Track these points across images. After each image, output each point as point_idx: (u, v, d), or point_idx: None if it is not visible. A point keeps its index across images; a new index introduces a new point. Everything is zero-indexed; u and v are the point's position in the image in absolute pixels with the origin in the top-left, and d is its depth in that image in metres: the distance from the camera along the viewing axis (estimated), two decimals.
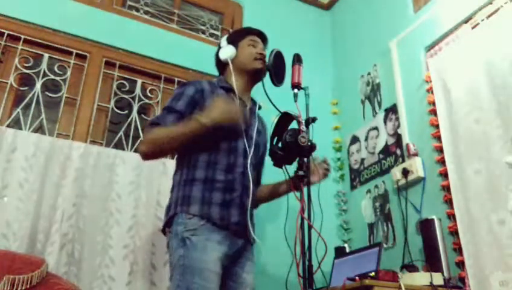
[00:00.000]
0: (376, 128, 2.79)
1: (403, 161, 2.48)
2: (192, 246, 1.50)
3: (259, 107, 1.91)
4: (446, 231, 2.11)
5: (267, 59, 1.88)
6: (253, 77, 1.87)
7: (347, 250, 2.53)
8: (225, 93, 1.78)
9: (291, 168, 1.83)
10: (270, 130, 1.83)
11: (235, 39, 1.90)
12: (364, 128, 2.89)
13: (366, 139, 2.85)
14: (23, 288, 1.61)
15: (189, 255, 1.49)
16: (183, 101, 1.70)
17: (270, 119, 1.82)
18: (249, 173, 1.69)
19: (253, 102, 1.91)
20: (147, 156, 1.68)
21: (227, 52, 1.86)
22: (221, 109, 1.59)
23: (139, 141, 1.69)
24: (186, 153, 1.70)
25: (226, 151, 1.68)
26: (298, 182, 1.72)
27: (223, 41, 1.92)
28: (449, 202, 2.14)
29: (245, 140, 1.74)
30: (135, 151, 2.45)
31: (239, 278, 1.64)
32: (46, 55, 2.46)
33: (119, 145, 2.45)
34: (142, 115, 2.61)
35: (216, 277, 1.50)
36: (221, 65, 1.91)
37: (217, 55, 1.93)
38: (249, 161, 1.71)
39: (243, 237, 1.66)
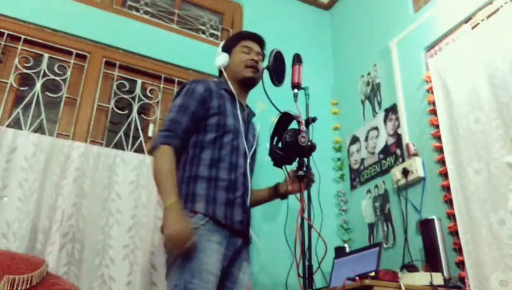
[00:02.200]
0: (376, 128, 2.79)
1: (403, 161, 2.48)
2: (193, 245, 1.49)
3: (253, 115, 1.93)
4: (446, 231, 2.11)
5: (266, 59, 1.88)
6: (245, 84, 1.88)
7: (347, 250, 2.53)
8: (227, 95, 1.80)
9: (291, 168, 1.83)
10: (270, 130, 1.83)
11: (229, 45, 1.92)
12: (364, 128, 2.89)
13: (366, 139, 2.85)
14: (23, 288, 1.61)
15: (189, 254, 1.48)
16: (195, 100, 1.70)
17: (270, 119, 1.82)
18: (248, 174, 1.70)
19: (248, 107, 1.91)
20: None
21: (220, 60, 1.88)
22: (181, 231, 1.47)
23: (153, 141, 1.66)
24: (187, 149, 1.69)
25: (229, 150, 1.69)
26: (298, 182, 1.72)
27: (219, 48, 1.94)
28: (449, 202, 2.14)
29: (244, 141, 1.75)
30: (135, 151, 2.45)
31: (236, 278, 1.64)
32: (46, 55, 2.46)
33: (119, 145, 2.45)
34: (142, 115, 2.61)
35: (214, 278, 1.50)
36: (219, 72, 1.93)
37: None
38: (248, 162, 1.72)
39: (241, 236, 1.67)
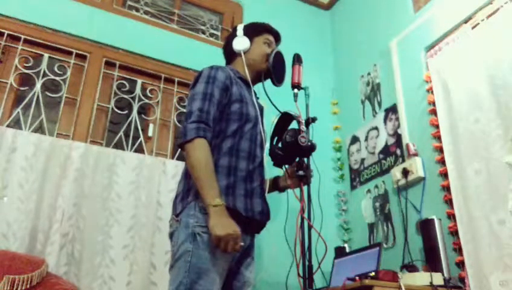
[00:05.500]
0: (376, 128, 2.79)
1: (403, 161, 2.48)
2: (203, 244, 1.45)
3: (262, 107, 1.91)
4: (446, 231, 2.11)
5: None
6: (259, 75, 1.85)
7: (347, 250, 2.53)
8: (243, 84, 1.77)
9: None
10: (270, 130, 1.83)
11: (251, 33, 1.87)
12: (364, 128, 2.89)
13: (366, 139, 2.85)
14: (23, 288, 1.61)
15: (198, 253, 1.44)
16: (218, 87, 1.64)
17: (270, 119, 1.82)
18: (265, 164, 1.67)
19: None
20: (184, 152, 1.57)
21: (242, 43, 1.83)
22: (230, 229, 1.44)
23: (184, 133, 1.54)
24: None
25: (248, 139, 1.65)
26: (297, 180, 1.72)
27: (239, 30, 1.87)
28: (449, 202, 2.14)
29: (261, 130, 1.71)
30: (135, 151, 2.45)
31: (244, 277, 1.62)
32: (46, 55, 2.46)
33: (119, 145, 2.45)
34: (142, 115, 2.61)
35: (221, 279, 1.48)
36: (231, 54, 1.87)
37: (228, 42, 1.89)
38: (264, 152, 1.70)
39: (252, 233, 1.65)
